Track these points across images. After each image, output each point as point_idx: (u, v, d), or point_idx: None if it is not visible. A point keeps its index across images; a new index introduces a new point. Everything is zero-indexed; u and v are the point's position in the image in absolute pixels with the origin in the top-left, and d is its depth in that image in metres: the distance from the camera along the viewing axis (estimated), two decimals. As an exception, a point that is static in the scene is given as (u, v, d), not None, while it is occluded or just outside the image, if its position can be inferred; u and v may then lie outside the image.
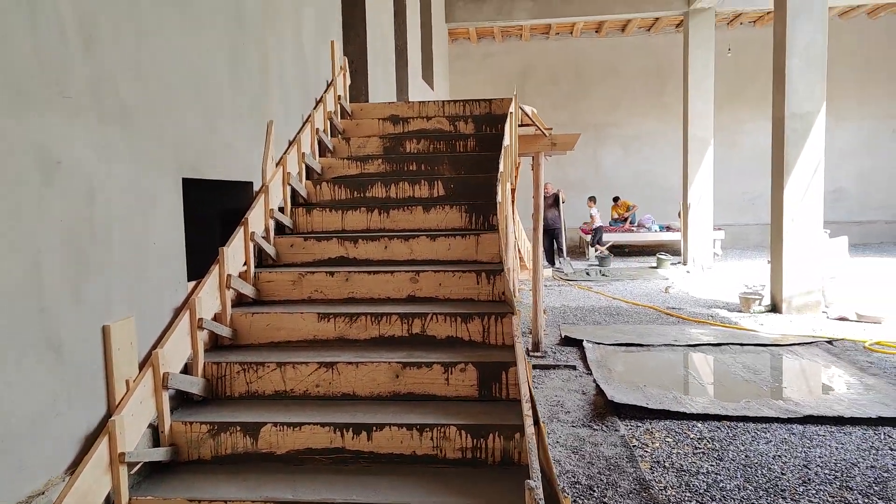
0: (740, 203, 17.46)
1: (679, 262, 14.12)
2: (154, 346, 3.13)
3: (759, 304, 9.14)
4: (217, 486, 2.88)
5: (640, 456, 4.73)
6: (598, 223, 15.26)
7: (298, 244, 4.48)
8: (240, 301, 4.02)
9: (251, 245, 4.10)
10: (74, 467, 2.53)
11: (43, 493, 2.34)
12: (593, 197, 15.79)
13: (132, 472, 2.82)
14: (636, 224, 16.08)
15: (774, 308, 9.11)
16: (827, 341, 7.54)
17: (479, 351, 3.64)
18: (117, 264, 2.89)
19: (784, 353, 7.17)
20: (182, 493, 2.80)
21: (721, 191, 16.01)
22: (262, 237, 4.29)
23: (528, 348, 7.63)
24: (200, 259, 3.77)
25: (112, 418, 2.68)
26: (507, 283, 4.02)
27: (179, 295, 3.43)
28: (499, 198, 4.61)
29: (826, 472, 4.35)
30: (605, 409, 5.68)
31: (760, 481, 4.25)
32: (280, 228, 4.67)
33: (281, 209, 4.69)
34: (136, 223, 3.05)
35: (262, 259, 4.40)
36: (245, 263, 4.07)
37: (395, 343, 3.76)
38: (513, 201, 7.47)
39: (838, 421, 5.18)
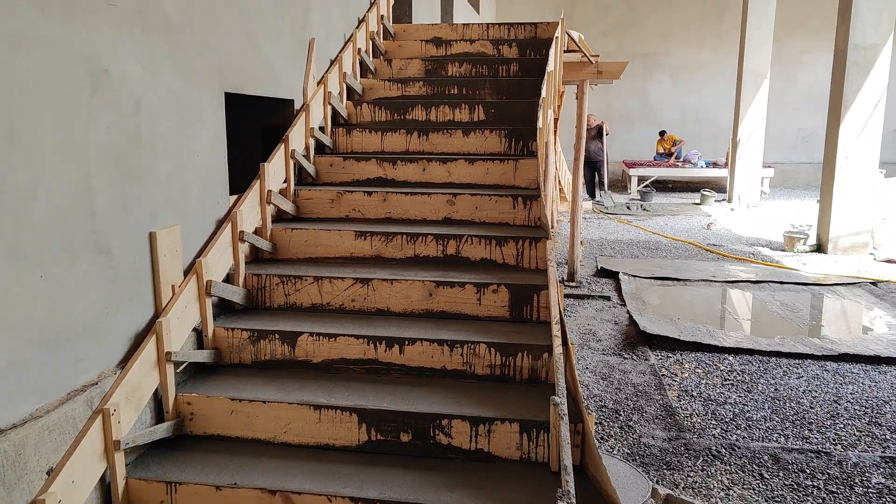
0: (793, 140, 16.86)
1: (724, 200, 13.82)
2: (198, 256, 3.25)
3: (804, 244, 8.95)
4: (256, 387, 3.03)
5: (669, 385, 4.80)
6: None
7: (338, 163, 4.53)
8: (280, 217, 4.12)
9: (291, 163, 4.17)
10: (125, 362, 2.69)
11: (97, 384, 2.51)
12: None
13: (178, 370, 2.99)
14: (682, 159, 15.70)
15: (819, 248, 8.92)
16: (871, 282, 7.39)
17: (512, 273, 3.69)
18: (163, 174, 2.98)
19: (825, 293, 7.07)
20: (224, 393, 2.97)
21: (774, 127, 15.45)
22: (303, 155, 4.35)
23: (563, 278, 7.66)
24: (242, 175, 3.85)
25: (159, 320, 2.83)
26: (544, 209, 4.02)
27: (222, 207, 3.53)
28: (539, 124, 4.55)
29: (856, 408, 4.35)
30: (636, 340, 5.73)
31: (788, 413, 4.28)
32: (320, 148, 4.71)
33: (321, 129, 4.72)
34: (181, 135, 3.12)
35: (301, 177, 4.47)
36: (285, 180, 4.14)
37: (429, 263, 3.83)
38: (555, 132, 7.36)
39: (874, 360, 5.14)
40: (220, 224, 3.50)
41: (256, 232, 3.80)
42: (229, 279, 3.51)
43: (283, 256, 3.93)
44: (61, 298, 2.37)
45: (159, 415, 2.89)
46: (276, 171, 3.99)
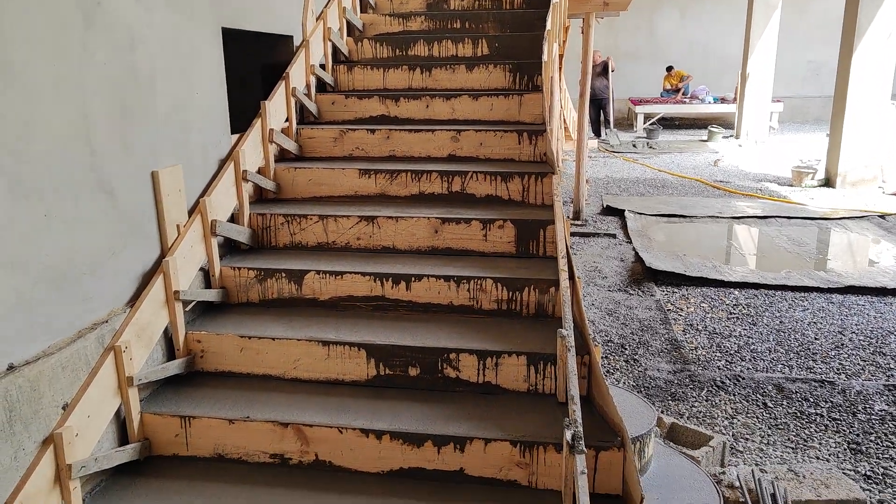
0: (804, 73, 16.49)
1: (731, 136, 13.63)
2: (201, 196, 3.23)
3: (812, 179, 8.86)
4: (265, 325, 3.06)
5: (674, 319, 4.83)
6: None
7: (340, 101, 4.45)
8: (282, 157, 4.08)
9: (293, 101, 4.09)
10: (134, 301, 2.71)
11: (107, 322, 2.53)
12: None
13: (186, 309, 3.00)
14: (689, 95, 15.41)
15: (828, 182, 8.83)
16: (879, 216, 7.35)
17: (518, 209, 3.66)
18: (162, 113, 2.94)
19: (832, 227, 7.04)
20: (233, 330, 2.99)
21: (784, 60, 15.07)
22: (304, 94, 4.27)
23: (568, 216, 7.64)
24: (243, 114, 3.79)
25: (165, 259, 2.83)
26: (549, 144, 3.96)
27: (223, 147, 3.49)
28: (545, 57, 4.45)
29: (861, 338, 4.38)
30: (642, 276, 5.75)
31: (792, 345, 4.32)
32: (321, 86, 4.63)
33: (322, 66, 4.62)
34: (178, 72, 3.06)
35: (303, 116, 4.41)
36: (287, 119, 4.08)
37: (434, 200, 3.80)
38: (559, 68, 7.19)
39: (881, 292, 5.15)
40: (222, 164, 3.47)
41: (259, 171, 3.77)
42: (234, 219, 3.50)
43: (286, 196, 3.91)
44: (67, 237, 2.37)
45: (170, 352, 2.92)
46: (277, 109, 3.92)
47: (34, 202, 2.22)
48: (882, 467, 3.00)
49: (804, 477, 2.55)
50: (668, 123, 15.77)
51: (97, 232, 2.53)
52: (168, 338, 2.91)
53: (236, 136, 3.63)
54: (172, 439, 2.68)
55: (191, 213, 3.15)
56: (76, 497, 2.27)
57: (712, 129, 13.39)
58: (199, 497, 2.45)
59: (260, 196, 3.86)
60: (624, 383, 3.89)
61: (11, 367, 2.10)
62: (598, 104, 13.65)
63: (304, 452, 2.63)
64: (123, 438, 2.62)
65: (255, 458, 2.66)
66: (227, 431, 2.65)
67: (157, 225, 2.90)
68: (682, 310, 5.01)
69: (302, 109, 4.36)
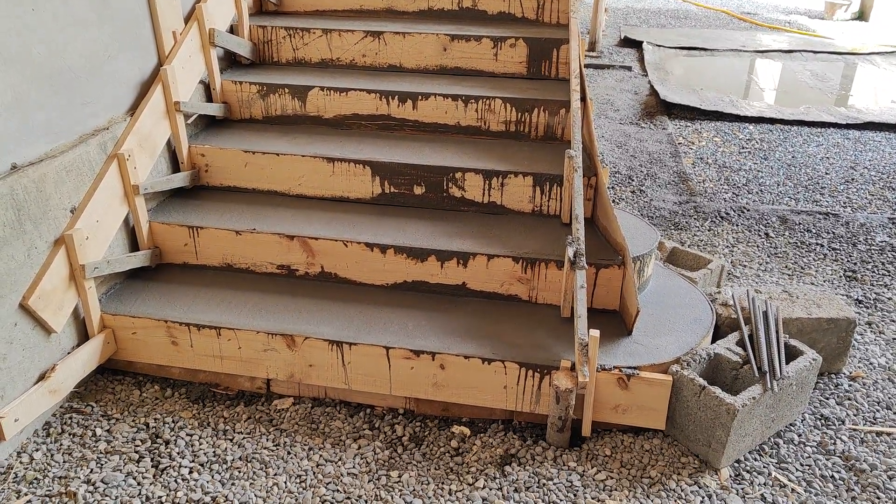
0: None
1: (765, -35, 12.67)
2: (197, 2, 3.05)
3: (846, 11, 8.35)
4: (269, 141, 3.02)
5: (685, 153, 4.76)
6: None
7: None
8: (282, -35, 3.81)
9: None
10: (134, 110, 2.65)
11: (107, 129, 2.49)
12: None
13: (188, 122, 2.95)
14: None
15: (862, 15, 8.33)
16: (910, 52, 7.00)
17: (531, 27, 3.48)
18: None
19: (860, 62, 6.73)
20: (237, 145, 2.96)
21: None
22: None
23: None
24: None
25: (163, 67, 2.73)
26: (568, -45, 3.68)
27: (218, -51, 3.24)
28: None
29: (872, 173, 4.33)
30: (655, 109, 5.59)
31: (801, 179, 4.28)
32: None
33: None
34: None
35: (303, -80, 4.07)
36: (285, -78, 3.77)
37: (444, 16, 3.61)
38: None
39: (899, 129, 5.03)
40: (217, -32, 3.24)
41: (258, -20, 3.54)
42: (233, 31, 3.34)
43: (288, 9, 3.70)
44: (58, 34, 2.26)
45: (175, 166, 2.91)
46: None
47: (18, -5, 2.09)
48: (875, 293, 3.07)
49: (797, 297, 2.62)
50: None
51: (89, 31, 2.41)
52: (171, 151, 2.88)
53: (231, -61, 3.37)
54: (182, 248, 2.74)
55: (187, 21, 2.99)
56: (92, 296, 2.37)
57: (745, -44, 12.42)
58: (209, 301, 2.55)
59: (260, 8, 3.66)
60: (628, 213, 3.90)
61: (15, 167, 2.10)
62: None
63: (309, 264, 2.70)
64: (134, 247, 2.68)
65: (263, 269, 2.73)
66: (234, 242, 2.70)
67: (151, 30, 2.76)
68: (693, 143, 4.92)
69: (301, -88, 4.01)
